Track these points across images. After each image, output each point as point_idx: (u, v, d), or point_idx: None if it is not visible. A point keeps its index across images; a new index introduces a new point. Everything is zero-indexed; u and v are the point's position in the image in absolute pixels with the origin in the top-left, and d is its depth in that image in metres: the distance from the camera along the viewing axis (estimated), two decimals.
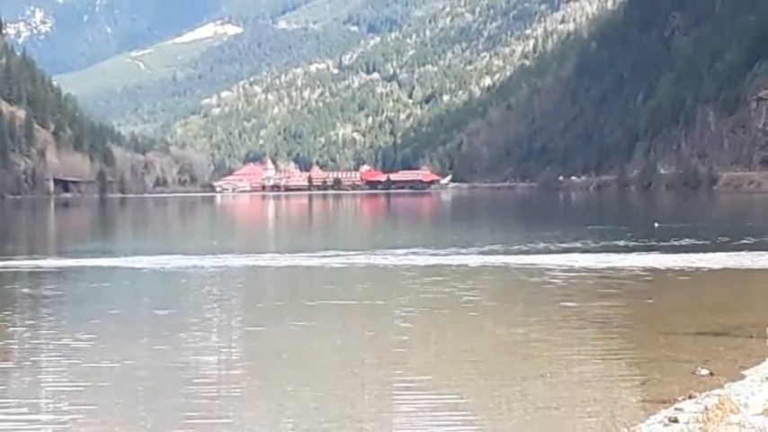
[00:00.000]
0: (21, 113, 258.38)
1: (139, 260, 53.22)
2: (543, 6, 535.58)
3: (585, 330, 26.91)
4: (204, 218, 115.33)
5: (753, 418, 12.71)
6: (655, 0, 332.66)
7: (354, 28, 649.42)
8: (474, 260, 46.96)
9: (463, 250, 55.45)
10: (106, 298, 38.31)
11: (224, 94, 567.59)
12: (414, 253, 55.33)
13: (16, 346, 24.17)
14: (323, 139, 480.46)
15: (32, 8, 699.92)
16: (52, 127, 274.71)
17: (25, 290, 38.90)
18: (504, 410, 17.57)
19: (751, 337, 20.16)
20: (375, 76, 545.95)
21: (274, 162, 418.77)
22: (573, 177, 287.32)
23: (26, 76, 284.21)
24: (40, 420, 15.26)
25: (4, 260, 50.84)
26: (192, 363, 22.73)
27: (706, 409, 13.55)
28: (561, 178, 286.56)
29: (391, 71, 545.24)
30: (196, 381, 20.15)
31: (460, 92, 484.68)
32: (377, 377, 20.71)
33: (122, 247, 67.82)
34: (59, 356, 23.35)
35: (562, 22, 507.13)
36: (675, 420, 13.38)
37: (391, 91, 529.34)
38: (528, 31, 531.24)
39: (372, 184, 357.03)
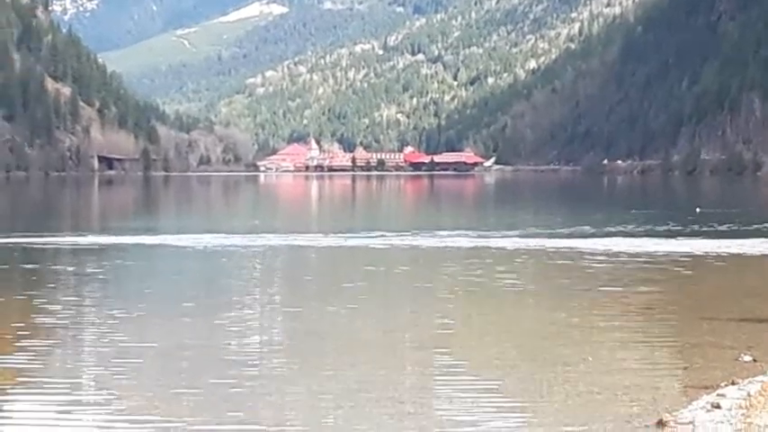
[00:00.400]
0: (66, 90, 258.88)
1: (182, 238, 53.49)
2: None
3: (627, 315, 26.82)
4: (247, 197, 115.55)
5: None
6: None
7: (400, 9, 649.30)
8: (517, 243, 46.84)
9: (506, 233, 55.41)
10: (148, 276, 38.51)
11: (269, 73, 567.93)
12: (456, 235, 55.41)
13: (58, 324, 24.16)
14: (367, 120, 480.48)
15: None
16: (97, 104, 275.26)
17: (68, 267, 38.99)
18: (546, 394, 17.56)
19: None
20: (420, 57, 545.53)
21: (318, 142, 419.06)
22: (618, 161, 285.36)
23: (72, 54, 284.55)
24: (82, 400, 15.33)
25: (48, 236, 51.08)
26: (234, 342, 22.83)
27: (749, 395, 13.49)
28: (606, 162, 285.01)
29: (436, 53, 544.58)
30: (237, 360, 20.21)
31: (505, 74, 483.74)
32: (418, 359, 20.72)
33: (165, 225, 68.08)
34: (101, 335, 23.38)
35: (608, 5, 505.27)
36: (718, 406, 13.31)
37: (436, 72, 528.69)
38: (573, 15, 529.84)
39: (416, 166, 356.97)
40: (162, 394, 16.63)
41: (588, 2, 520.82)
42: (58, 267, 38.76)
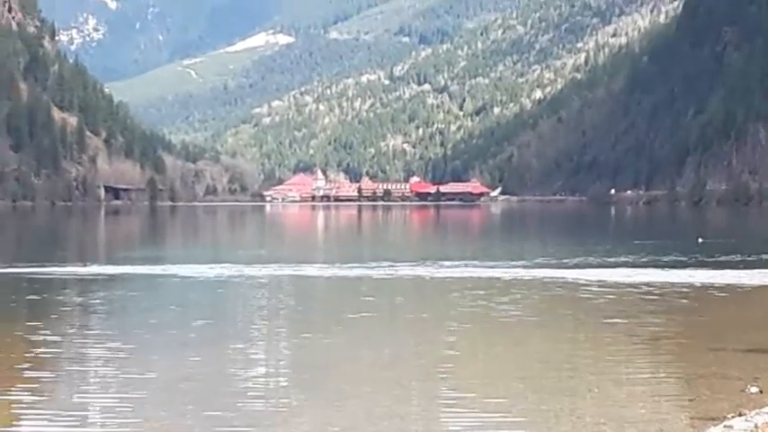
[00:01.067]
0: (72, 120, 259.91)
1: (188, 268, 53.61)
2: (595, 20, 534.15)
3: (633, 346, 26.85)
4: (253, 227, 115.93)
5: None
6: (707, 14, 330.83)
7: (406, 39, 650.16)
8: (523, 273, 46.90)
9: (513, 263, 55.47)
10: (153, 307, 38.51)
11: (275, 103, 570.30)
12: (462, 265, 55.41)
13: (62, 356, 24.22)
14: (373, 150, 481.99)
15: (85, 15, 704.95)
16: (103, 134, 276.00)
17: (74, 297, 39.14)
18: (553, 426, 17.57)
19: None
20: (426, 87, 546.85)
21: (324, 172, 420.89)
22: (626, 192, 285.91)
23: (78, 83, 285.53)
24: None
25: (53, 267, 51.23)
26: (240, 374, 22.86)
27: (756, 426, 13.51)
28: (612, 192, 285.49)
29: (442, 83, 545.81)
30: (243, 392, 20.25)
31: (511, 104, 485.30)
32: (424, 391, 20.72)
33: (171, 255, 68.11)
34: (106, 366, 23.47)
35: (614, 35, 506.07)
36: None
37: (442, 102, 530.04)
38: (580, 45, 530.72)
39: (422, 196, 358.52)
40: (167, 427, 16.63)
41: (594, 32, 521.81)
42: (62, 298, 38.94)
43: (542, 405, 19.41)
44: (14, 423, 15.27)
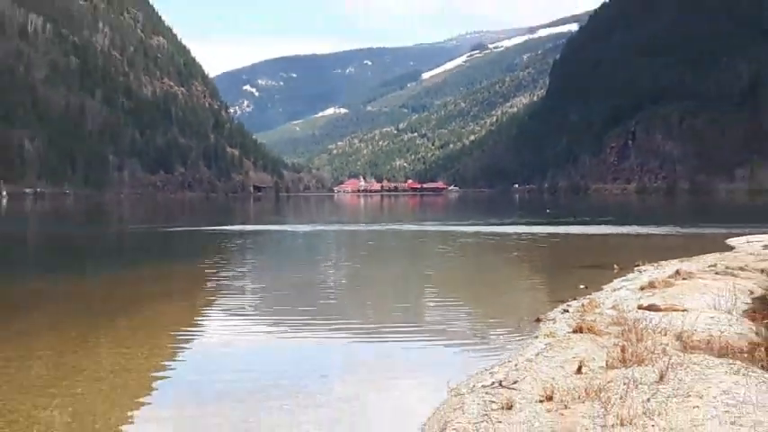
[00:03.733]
0: (236, 152, 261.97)
1: (293, 226, 53.89)
2: (501, 99, 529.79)
3: (518, 265, 26.83)
4: (326, 206, 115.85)
5: (606, 310, 13.22)
6: (561, 94, 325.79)
7: (405, 110, 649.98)
8: (465, 228, 46.62)
9: (459, 222, 54.76)
10: (278, 244, 38.76)
11: (339, 143, 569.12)
12: (432, 224, 55.11)
13: (228, 273, 24.21)
14: (388, 167, 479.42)
15: (241, 99, 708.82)
16: (252, 159, 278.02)
17: (236, 240, 39.26)
18: (479, 305, 17.57)
19: (608, 269, 20.35)
20: (415, 134, 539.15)
21: (364, 177, 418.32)
22: (519, 186, 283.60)
23: (239, 134, 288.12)
24: (245, 322, 14.41)
25: (225, 226, 51.45)
26: (322, 278, 22.84)
27: (583, 305, 14.05)
28: (515, 186, 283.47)
29: (423, 132, 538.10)
30: (324, 289, 20.22)
31: (459, 143, 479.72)
32: (409, 294, 20.30)
33: (285, 220, 68.18)
34: (253, 278, 23.52)
35: (511, 106, 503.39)
36: (567, 310, 13.81)
37: (424, 142, 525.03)
38: (493, 112, 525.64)
39: (413, 189, 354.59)
40: (288, 307, 16.60)
41: (500, 105, 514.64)
42: (228, 241, 38.90)
43: (477, 292, 19.47)
44: (200, 319, 15.07)
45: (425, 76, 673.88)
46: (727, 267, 18.68)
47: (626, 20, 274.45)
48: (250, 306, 16.66)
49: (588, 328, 11.29)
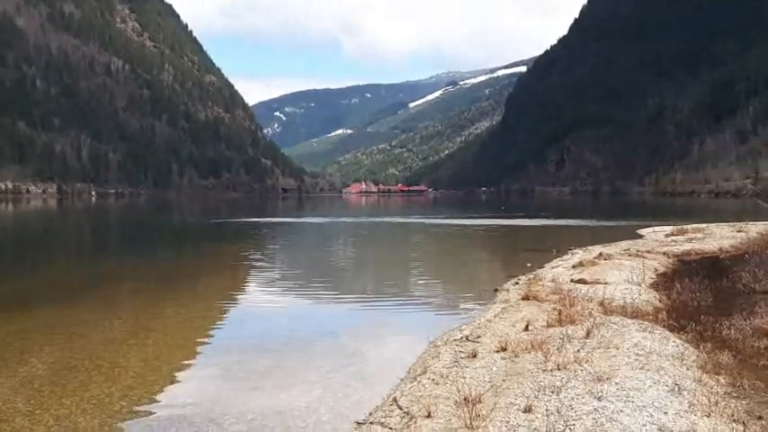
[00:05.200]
0: (268, 162, 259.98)
1: (310, 219, 53.24)
2: (469, 123, 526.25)
3: (480, 249, 26.73)
4: (336, 204, 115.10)
5: (547, 283, 13.00)
6: (518, 119, 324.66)
7: (397, 131, 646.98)
8: (440, 221, 46.46)
9: (435, 216, 54.27)
10: (298, 231, 38.47)
11: (347, 155, 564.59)
12: (415, 217, 54.59)
13: (260, 252, 24.10)
14: (384, 174, 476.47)
15: (272, 122, 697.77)
16: (280, 167, 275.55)
17: (264, 229, 38.88)
18: (447, 278, 17.50)
19: (548, 252, 20.24)
20: (404, 149, 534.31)
21: (365, 182, 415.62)
22: (484, 188, 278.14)
23: (271, 148, 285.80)
24: (275, 291, 14.34)
25: (254, 218, 51.17)
26: (331, 258, 22.69)
27: (529, 279, 13.86)
28: (483, 189, 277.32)
29: (410, 147, 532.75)
30: (333, 266, 20.18)
31: (436, 156, 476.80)
32: (397, 269, 20.38)
33: (304, 214, 67.67)
34: (282, 255, 23.44)
35: (475, 129, 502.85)
36: (517, 283, 13.71)
37: (410, 156, 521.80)
38: (464, 133, 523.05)
39: (402, 191, 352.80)
40: (310, 270, 16.59)
41: (468, 129, 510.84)
42: (260, 230, 38.61)
43: (443, 268, 19.44)
44: (240, 290, 15.20)
45: (411, 105, 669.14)
46: (637, 251, 18.71)
47: (561, 64, 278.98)
48: (277, 279, 16.54)
49: (533, 297, 11.26)
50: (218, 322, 11.05)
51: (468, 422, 5.41)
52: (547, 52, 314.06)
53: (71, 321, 10.49)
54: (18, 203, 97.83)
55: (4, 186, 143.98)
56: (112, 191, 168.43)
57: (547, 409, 5.62)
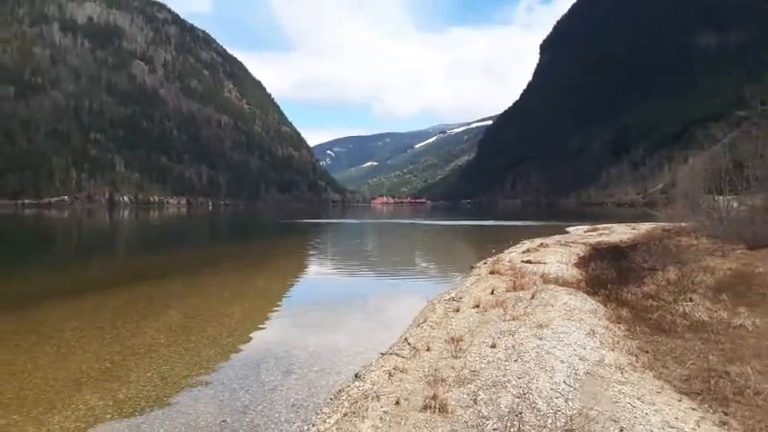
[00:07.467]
0: (323, 183, 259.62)
1: (348, 221, 52.40)
2: (448, 161, 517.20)
3: (461, 240, 26.21)
4: (366, 211, 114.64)
5: (506, 263, 12.76)
6: (494, 154, 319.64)
7: (407, 163, 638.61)
8: (435, 222, 45.68)
9: (431, 219, 53.38)
10: (339, 229, 38.19)
11: (373, 179, 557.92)
12: (418, 220, 53.75)
13: (316, 240, 23.74)
14: (398, 191, 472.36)
15: (325, 158, 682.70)
16: (330, 187, 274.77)
17: (312, 228, 38.35)
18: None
19: (506, 242, 19.84)
20: (411, 175, 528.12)
21: (386, 196, 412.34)
22: (465, 201, 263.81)
23: (324, 174, 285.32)
24: (325, 268, 13.59)
25: (313, 219, 50.44)
26: (363, 245, 22.29)
27: (494, 260, 13.57)
28: (466, 201, 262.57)
29: (416, 173, 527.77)
30: (365, 251, 19.88)
31: (427, 182, 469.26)
32: (407, 253, 19.88)
33: (344, 217, 67.57)
34: (324, 245, 23.06)
35: (452, 168, 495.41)
36: (486, 262, 13.47)
37: (415, 179, 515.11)
38: (448, 167, 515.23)
39: (410, 202, 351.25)
40: (350, 260, 16.29)
41: (447, 166, 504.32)
42: (309, 228, 38.26)
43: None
44: (301, 268, 14.91)
45: (416, 146, 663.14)
46: (566, 242, 18.46)
47: (515, 118, 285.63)
48: (328, 259, 16.41)
49: (497, 272, 11.16)
50: (290, 288, 11.02)
51: (454, 353, 5.56)
52: (505, 111, 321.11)
53: (194, 286, 10.75)
54: (162, 211, 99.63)
55: (153, 199, 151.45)
56: (222, 202, 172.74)
57: (506, 346, 5.70)
